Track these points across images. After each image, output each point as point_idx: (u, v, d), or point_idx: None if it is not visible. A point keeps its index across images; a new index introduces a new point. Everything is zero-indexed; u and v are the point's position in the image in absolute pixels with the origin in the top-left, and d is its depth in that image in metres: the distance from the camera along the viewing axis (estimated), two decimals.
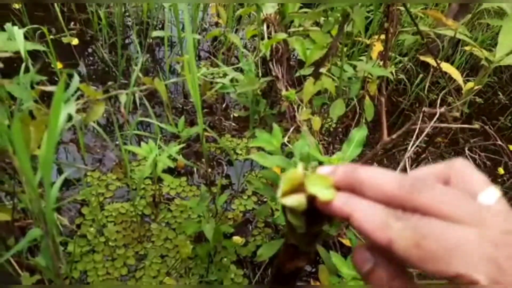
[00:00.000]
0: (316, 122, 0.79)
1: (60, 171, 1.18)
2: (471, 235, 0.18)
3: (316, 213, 0.21)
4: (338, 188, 0.21)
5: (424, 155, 1.43)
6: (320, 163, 0.65)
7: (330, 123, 1.46)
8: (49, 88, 0.62)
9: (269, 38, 0.84)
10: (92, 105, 0.59)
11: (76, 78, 0.61)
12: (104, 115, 1.39)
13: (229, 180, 1.30)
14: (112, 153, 1.25)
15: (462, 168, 0.22)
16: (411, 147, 0.77)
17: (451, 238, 0.18)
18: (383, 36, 0.74)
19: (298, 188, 0.20)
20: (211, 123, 1.45)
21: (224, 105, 1.53)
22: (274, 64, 0.83)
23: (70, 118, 0.58)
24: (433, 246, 0.18)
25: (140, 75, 0.86)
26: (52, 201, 0.49)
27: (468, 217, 0.19)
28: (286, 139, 0.71)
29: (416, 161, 1.34)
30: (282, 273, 0.26)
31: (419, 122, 0.83)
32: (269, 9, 0.74)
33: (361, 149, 0.65)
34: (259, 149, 0.74)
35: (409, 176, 0.21)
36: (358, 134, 0.65)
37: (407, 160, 0.77)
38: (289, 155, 0.74)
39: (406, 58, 1.58)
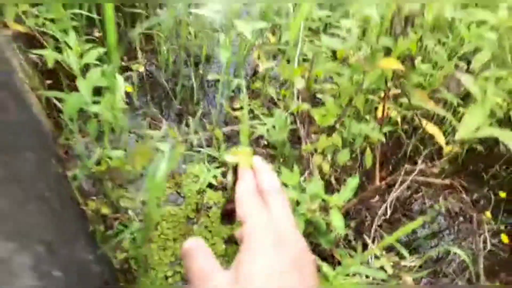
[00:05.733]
0: (326, 166, 1.09)
1: None
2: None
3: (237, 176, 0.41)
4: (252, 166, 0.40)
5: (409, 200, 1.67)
6: (323, 200, 0.94)
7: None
8: None
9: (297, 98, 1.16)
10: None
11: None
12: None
13: None
14: None
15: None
16: (390, 198, 1.05)
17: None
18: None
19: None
20: None
21: (256, 136, 1.85)
22: (298, 120, 1.14)
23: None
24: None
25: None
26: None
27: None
28: (304, 176, 1.01)
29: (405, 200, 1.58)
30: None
31: (401, 175, 1.11)
32: (299, 84, 1.05)
33: (353, 193, 0.94)
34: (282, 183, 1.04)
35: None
36: (352, 182, 0.94)
37: (389, 204, 1.05)
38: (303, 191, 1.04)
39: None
